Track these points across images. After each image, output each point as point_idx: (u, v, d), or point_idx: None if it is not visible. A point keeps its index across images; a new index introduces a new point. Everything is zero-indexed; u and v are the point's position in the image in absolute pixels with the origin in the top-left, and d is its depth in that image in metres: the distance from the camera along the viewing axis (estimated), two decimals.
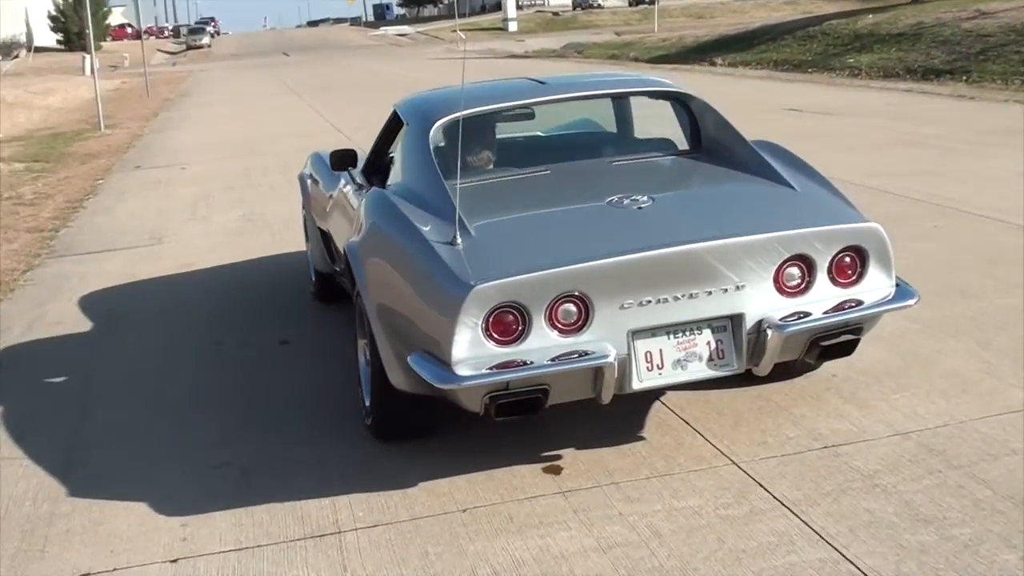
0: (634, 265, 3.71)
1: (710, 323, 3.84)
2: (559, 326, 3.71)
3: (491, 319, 3.64)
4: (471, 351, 3.65)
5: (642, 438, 4.31)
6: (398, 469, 4.20)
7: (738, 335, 3.85)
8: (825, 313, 3.89)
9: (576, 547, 3.53)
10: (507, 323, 3.66)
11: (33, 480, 4.42)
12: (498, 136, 5.14)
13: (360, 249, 4.41)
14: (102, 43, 65.45)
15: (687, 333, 3.83)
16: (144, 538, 3.85)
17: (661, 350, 3.81)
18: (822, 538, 3.45)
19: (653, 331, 3.79)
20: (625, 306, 3.73)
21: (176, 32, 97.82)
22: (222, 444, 4.62)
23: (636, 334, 3.77)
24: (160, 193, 12.09)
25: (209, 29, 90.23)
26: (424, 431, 4.37)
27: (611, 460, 4.14)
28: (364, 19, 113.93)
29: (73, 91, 30.49)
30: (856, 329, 3.97)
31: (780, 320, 3.83)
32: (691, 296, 3.78)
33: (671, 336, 3.82)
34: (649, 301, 3.75)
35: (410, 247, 4.00)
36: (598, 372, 3.69)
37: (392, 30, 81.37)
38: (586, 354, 3.69)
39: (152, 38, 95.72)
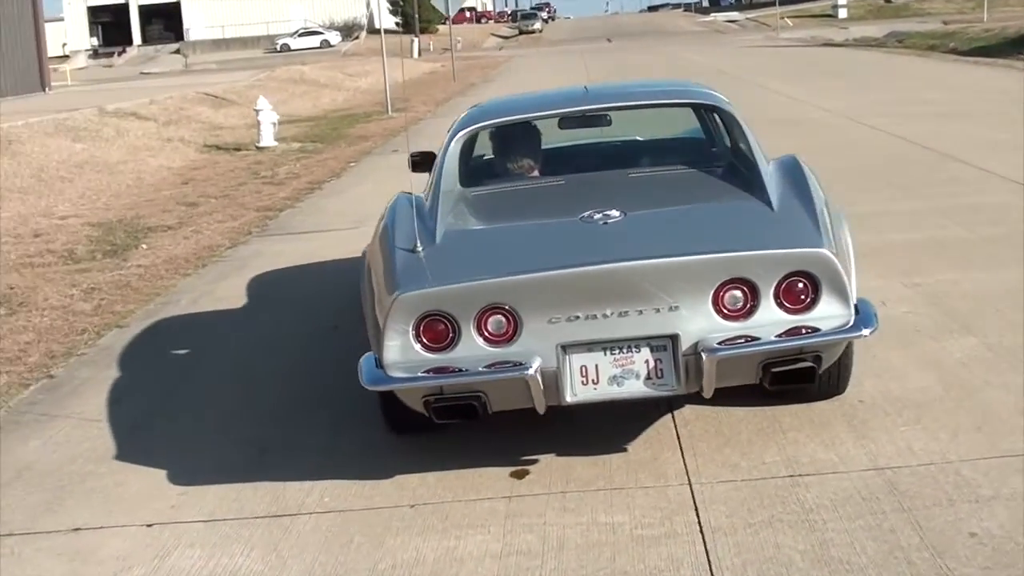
0: (558, 281, 3.78)
1: (649, 342, 3.84)
2: (488, 336, 3.84)
3: (421, 326, 3.82)
4: (403, 355, 3.84)
5: (624, 450, 4.35)
6: (391, 461, 4.43)
7: (676, 356, 3.83)
8: (773, 338, 3.80)
9: (480, 551, 3.66)
10: (437, 331, 3.83)
11: (96, 442, 4.97)
12: (538, 145, 5.23)
13: (367, 248, 4.69)
14: (439, 26, 68.73)
15: (624, 350, 3.85)
16: (141, 502, 4.28)
17: (597, 365, 3.85)
18: (710, 569, 3.42)
19: (588, 346, 3.84)
20: (553, 320, 3.81)
21: (513, 17, 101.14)
22: (265, 422, 5.00)
23: (568, 348, 3.83)
24: (399, 178, 12.75)
25: (542, 15, 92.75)
26: (425, 426, 4.53)
27: (579, 469, 4.21)
28: (699, 5, 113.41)
29: (388, 73, 32.12)
30: (814, 357, 3.84)
31: (717, 343, 3.78)
32: (622, 315, 3.80)
33: (608, 352, 3.85)
34: (578, 317, 3.80)
35: (383, 251, 4.23)
36: (527, 383, 3.78)
37: (722, 16, 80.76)
38: (509, 364, 3.79)
39: (490, 22, 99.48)
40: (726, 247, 3.86)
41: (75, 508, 4.29)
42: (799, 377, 3.91)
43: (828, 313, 3.84)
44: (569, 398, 3.88)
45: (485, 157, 5.20)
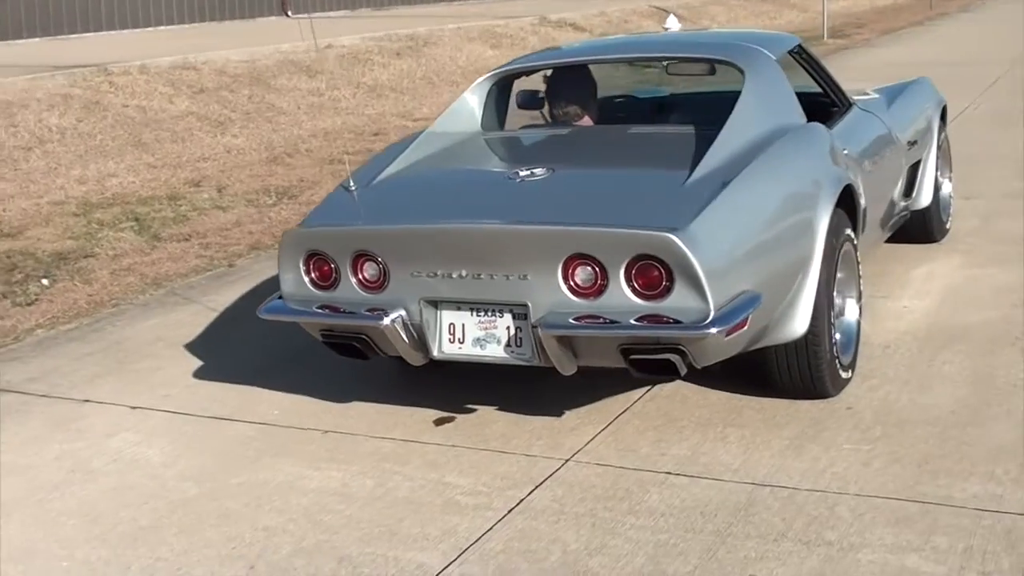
0: (414, 236, 3.75)
1: (511, 308, 3.70)
2: (363, 281, 3.88)
3: (311, 264, 3.94)
4: (296, 289, 4.00)
5: (559, 415, 4.21)
6: (363, 388, 4.55)
7: (528, 326, 3.66)
8: (618, 323, 3.51)
9: (316, 485, 3.78)
10: (323, 270, 3.94)
11: (191, 329, 5.56)
12: (583, 92, 4.98)
13: None
14: None
15: (489, 313, 3.74)
16: (151, 388, 4.79)
17: (464, 325, 3.79)
18: (465, 548, 3.32)
19: (458, 304, 3.77)
20: (415, 274, 3.78)
21: None
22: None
23: (438, 304, 3.79)
24: None
25: None
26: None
27: (496, 427, 4.15)
28: None
29: None
30: (675, 350, 3.50)
31: (562, 320, 3.57)
32: (476, 277, 3.69)
33: (474, 313, 3.76)
34: (436, 274, 3.74)
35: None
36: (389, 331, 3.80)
37: None
38: (372, 312, 3.82)
39: None
40: (574, 220, 3.60)
41: (105, 383, 4.89)
42: (661, 368, 3.59)
43: (682, 304, 3.47)
44: (436, 353, 3.85)
45: (539, 96, 5.07)
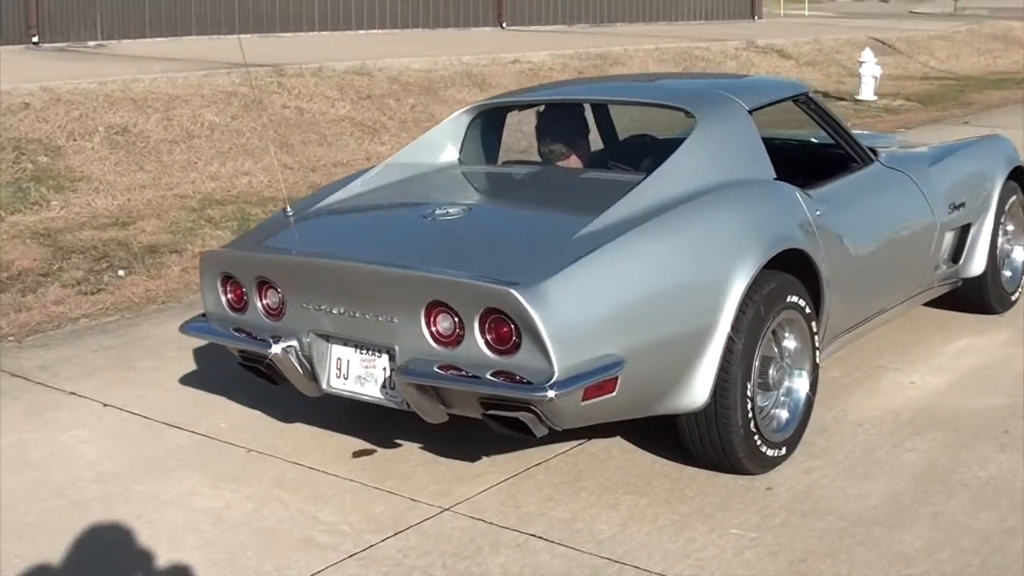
0: (301, 268, 3.77)
1: (389, 350, 3.65)
2: (266, 308, 3.92)
3: (226, 285, 4.01)
4: (215, 309, 4.08)
5: (476, 459, 4.13)
6: (312, 411, 4.51)
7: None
8: (467, 377, 3.40)
9: (203, 503, 3.85)
10: (237, 293, 4.00)
11: None
12: (562, 130, 4.83)
13: None
14: None
15: (370, 352, 3.71)
16: (129, 388, 5.00)
17: (349, 361, 3.77)
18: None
19: (344, 340, 3.76)
20: (304, 306, 3.78)
21: None
22: None
23: (328, 337, 3.79)
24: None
25: None
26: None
27: (409, 467, 4.11)
28: None
29: None
30: (526, 410, 3.37)
31: (412, 367, 3.49)
32: (353, 315, 3.65)
33: (358, 350, 3.74)
34: (321, 308, 3.73)
35: None
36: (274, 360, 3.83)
37: None
38: (266, 339, 3.85)
39: None
40: (437, 266, 3.51)
41: (99, 379, 5.11)
42: (516, 427, 3.46)
43: (530, 363, 3.32)
44: (325, 387, 3.84)
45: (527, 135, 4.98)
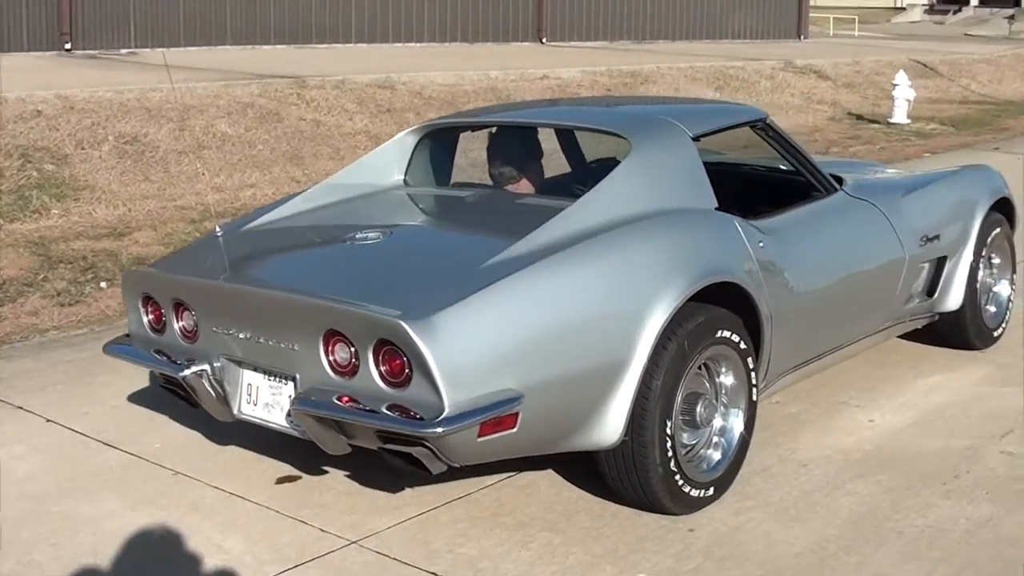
0: (203, 292, 3.69)
1: (292, 378, 3.56)
2: (182, 330, 3.85)
3: (147, 306, 3.95)
4: (138, 329, 4.02)
5: (399, 490, 4.03)
6: (249, 434, 4.39)
7: None
8: (359, 409, 3.30)
9: (113, 527, 3.79)
10: (156, 314, 3.94)
11: None
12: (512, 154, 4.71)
13: None
14: None
15: (277, 379, 3.62)
16: (80, 405, 4.97)
17: (258, 387, 3.69)
18: None
19: (253, 366, 3.68)
20: (215, 330, 3.70)
21: None
22: None
23: (238, 363, 3.71)
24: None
25: None
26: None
27: (331, 496, 4.01)
28: None
29: None
30: (421, 446, 3.26)
31: (307, 396, 3.40)
32: (259, 341, 3.57)
33: (267, 377, 3.65)
34: (231, 332, 3.66)
35: None
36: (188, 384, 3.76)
37: None
38: (179, 361, 3.78)
39: None
40: (333, 294, 3.41)
41: (51, 393, 5.07)
42: (413, 462, 3.36)
43: (420, 397, 3.22)
44: (236, 412, 3.76)
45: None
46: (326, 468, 4.19)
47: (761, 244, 4.09)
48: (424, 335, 3.15)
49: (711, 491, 3.84)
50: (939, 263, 5.15)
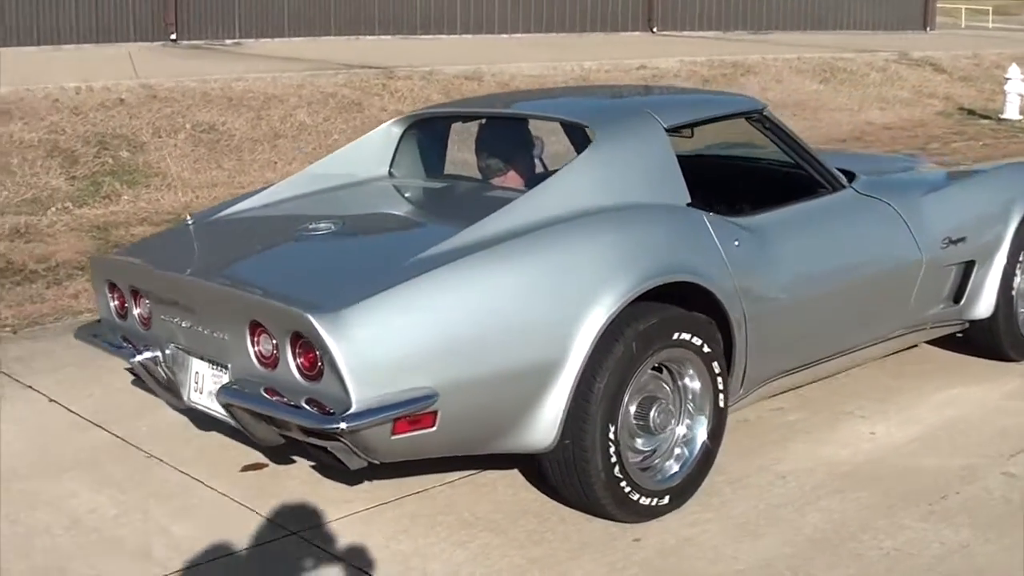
0: (154, 279, 3.73)
1: (226, 367, 3.55)
2: (140, 317, 3.88)
3: (113, 292, 3.99)
4: (107, 315, 4.06)
5: (358, 483, 4.00)
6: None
7: None
8: (273, 401, 3.27)
9: (72, 505, 3.86)
10: (121, 300, 3.97)
11: None
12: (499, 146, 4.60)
13: None
14: None
15: (218, 368, 3.61)
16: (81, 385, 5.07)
17: (204, 375, 3.68)
18: None
19: (199, 354, 3.68)
20: (163, 317, 3.71)
21: None
22: None
23: (185, 351, 3.71)
24: None
25: None
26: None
27: (291, 486, 4.00)
28: None
29: None
30: (334, 441, 3.21)
31: (232, 387, 3.38)
32: (198, 331, 3.58)
33: (210, 366, 3.65)
34: (175, 320, 3.66)
35: None
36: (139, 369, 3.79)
37: None
38: (135, 347, 3.80)
39: None
40: (256, 285, 3.39)
41: (62, 374, 5.18)
42: (332, 458, 3.31)
43: (331, 392, 3.15)
44: (186, 399, 3.77)
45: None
46: (295, 458, 4.18)
47: (736, 243, 3.92)
48: (332, 329, 3.09)
49: (666, 500, 3.70)
50: (967, 267, 4.88)
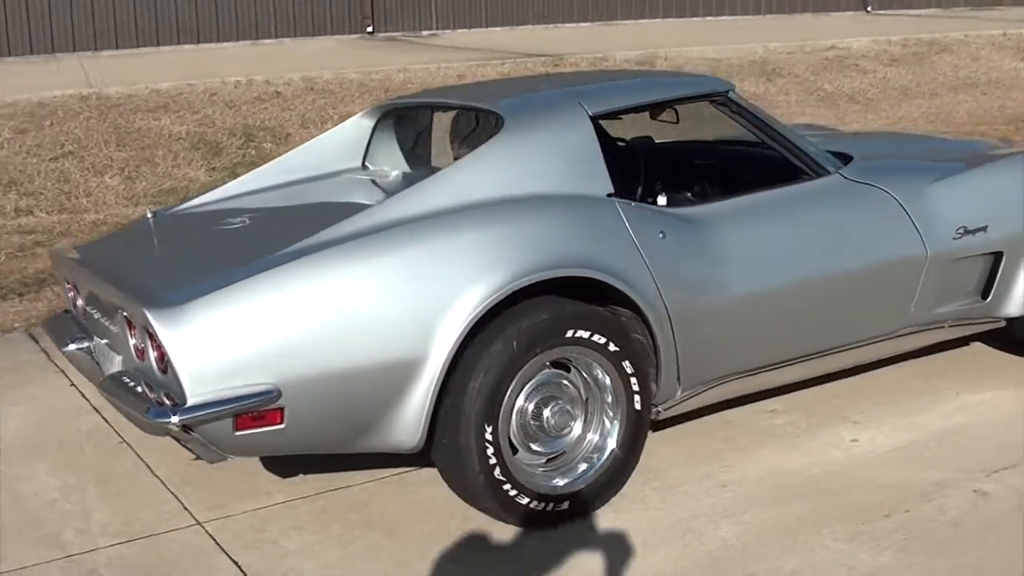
0: (78, 274, 3.87)
1: (122, 360, 3.63)
2: (80, 309, 4.01)
3: (68, 285, 4.16)
4: (69, 307, 4.23)
5: (293, 475, 4.03)
6: None
7: None
8: (130, 393, 3.32)
9: (36, 488, 4.03)
10: (74, 292, 4.12)
11: None
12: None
13: None
14: None
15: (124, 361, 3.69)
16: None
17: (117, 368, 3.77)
18: None
19: (115, 348, 3.76)
20: (90, 311, 3.83)
21: None
22: None
23: (107, 344, 3.82)
24: None
25: None
26: None
27: (231, 476, 4.06)
28: None
29: None
30: (188, 433, 3.24)
31: (114, 377, 3.45)
32: (104, 324, 3.67)
33: (122, 358, 3.73)
34: (95, 315, 3.77)
35: None
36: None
37: None
38: (71, 339, 3.94)
39: None
40: (121, 278, 3.44)
41: None
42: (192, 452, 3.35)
43: (174, 385, 3.15)
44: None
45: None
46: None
47: (662, 235, 3.68)
48: (167, 324, 3.11)
49: (565, 505, 3.53)
50: (995, 260, 4.41)
